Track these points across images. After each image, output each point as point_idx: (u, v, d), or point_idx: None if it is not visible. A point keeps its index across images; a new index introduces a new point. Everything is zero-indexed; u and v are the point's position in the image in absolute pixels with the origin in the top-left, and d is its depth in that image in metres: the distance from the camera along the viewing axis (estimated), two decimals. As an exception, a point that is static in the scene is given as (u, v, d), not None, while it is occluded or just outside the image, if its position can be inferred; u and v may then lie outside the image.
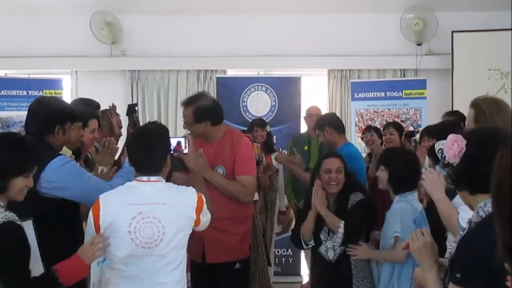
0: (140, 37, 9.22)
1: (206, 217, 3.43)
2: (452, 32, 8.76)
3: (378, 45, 9.09)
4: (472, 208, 2.43)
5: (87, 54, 9.27)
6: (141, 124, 5.30)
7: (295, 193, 6.95)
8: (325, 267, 4.63)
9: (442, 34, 8.87)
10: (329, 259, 4.58)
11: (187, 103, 4.53)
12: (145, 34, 9.21)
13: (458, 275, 2.25)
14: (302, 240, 4.70)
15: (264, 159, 6.57)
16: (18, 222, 2.84)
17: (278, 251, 7.97)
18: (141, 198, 3.23)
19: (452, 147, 2.38)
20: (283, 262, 8.10)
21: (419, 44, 9.08)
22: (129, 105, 5.40)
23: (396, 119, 8.27)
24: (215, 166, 4.49)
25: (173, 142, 3.89)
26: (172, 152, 3.77)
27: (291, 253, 8.03)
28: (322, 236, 4.62)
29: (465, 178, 2.38)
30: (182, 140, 3.95)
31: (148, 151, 3.31)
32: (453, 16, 8.89)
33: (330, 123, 5.96)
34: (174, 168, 4.02)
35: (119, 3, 9.01)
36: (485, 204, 2.30)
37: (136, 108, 5.52)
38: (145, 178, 3.28)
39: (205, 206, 3.38)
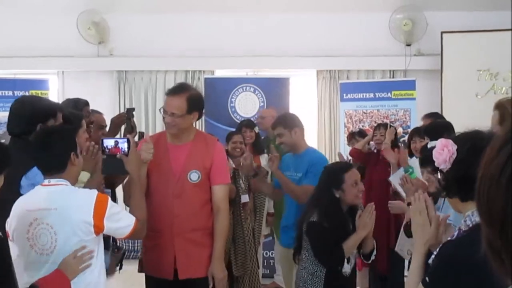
0: (128, 37, 9.15)
1: (118, 224, 3.23)
2: (442, 32, 8.75)
3: (367, 46, 9.06)
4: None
5: (74, 54, 9.19)
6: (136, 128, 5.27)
7: None
8: (344, 284, 4.37)
9: (431, 34, 8.86)
10: (346, 274, 4.32)
11: (178, 91, 4.16)
12: (133, 34, 9.14)
13: (427, 278, 2.25)
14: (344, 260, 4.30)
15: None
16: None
17: (266, 253, 7.91)
18: (37, 203, 3.15)
19: (442, 152, 2.30)
20: (271, 264, 8.04)
21: (408, 45, 9.06)
22: (127, 109, 5.34)
23: (385, 120, 8.23)
24: (188, 170, 4.15)
25: (111, 142, 3.71)
26: (107, 153, 3.68)
27: (279, 255, 7.98)
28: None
29: (457, 184, 2.30)
30: (121, 141, 3.69)
31: (43, 152, 3.22)
32: (442, 16, 8.87)
33: (299, 125, 5.47)
34: (111, 170, 3.88)
35: (106, 3, 8.96)
36: (472, 213, 2.25)
37: (134, 112, 5.44)
38: (46, 181, 3.21)
39: (112, 210, 3.18)
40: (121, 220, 3.24)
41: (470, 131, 2.40)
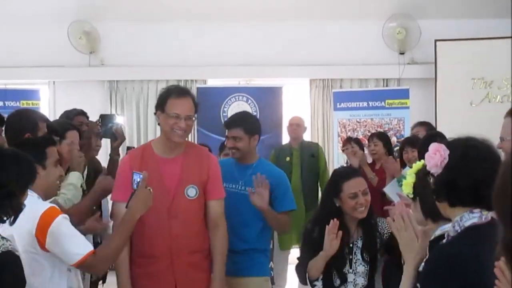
0: (119, 47, 9.09)
1: (64, 247, 2.97)
2: (435, 40, 8.69)
3: (360, 54, 9.00)
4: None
5: (65, 64, 9.13)
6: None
7: None
8: None
9: (425, 43, 8.82)
10: None
11: (186, 91, 3.87)
12: (124, 44, 9.08)
13: (418, 285, 2.26)
14: (307, 278, 3.83)
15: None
16: (17, 252, 2.52)
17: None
18: None
19: (434, 156, 2.29)
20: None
21: (401, 53, 9.01)
22: (101, 115, 5.00)
23: (379, 129, 8.18)
24: (185, 185, 3.78)
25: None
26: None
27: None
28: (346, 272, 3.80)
29: (446, 189, 2.29)
30: (137, 176, 3.28)
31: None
32: (436, 24, 8.82)
33: (259, 131, 4.55)
34: None
35: (98, 12, 8.89)
36: (461, 218, 2.24)
37: (115, 121, 5.02)
38: None
39: (60, 229, 2.94)
40: (70, 244, 2.98)
41: (463, 137, 2.38)
